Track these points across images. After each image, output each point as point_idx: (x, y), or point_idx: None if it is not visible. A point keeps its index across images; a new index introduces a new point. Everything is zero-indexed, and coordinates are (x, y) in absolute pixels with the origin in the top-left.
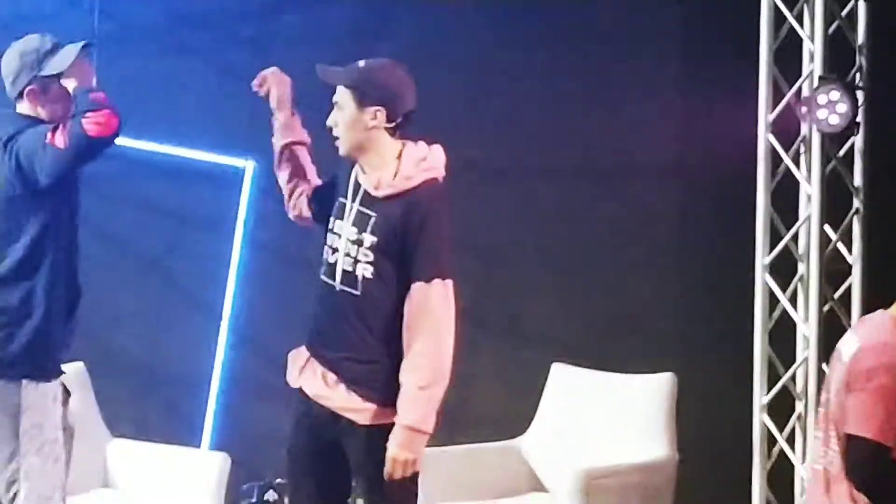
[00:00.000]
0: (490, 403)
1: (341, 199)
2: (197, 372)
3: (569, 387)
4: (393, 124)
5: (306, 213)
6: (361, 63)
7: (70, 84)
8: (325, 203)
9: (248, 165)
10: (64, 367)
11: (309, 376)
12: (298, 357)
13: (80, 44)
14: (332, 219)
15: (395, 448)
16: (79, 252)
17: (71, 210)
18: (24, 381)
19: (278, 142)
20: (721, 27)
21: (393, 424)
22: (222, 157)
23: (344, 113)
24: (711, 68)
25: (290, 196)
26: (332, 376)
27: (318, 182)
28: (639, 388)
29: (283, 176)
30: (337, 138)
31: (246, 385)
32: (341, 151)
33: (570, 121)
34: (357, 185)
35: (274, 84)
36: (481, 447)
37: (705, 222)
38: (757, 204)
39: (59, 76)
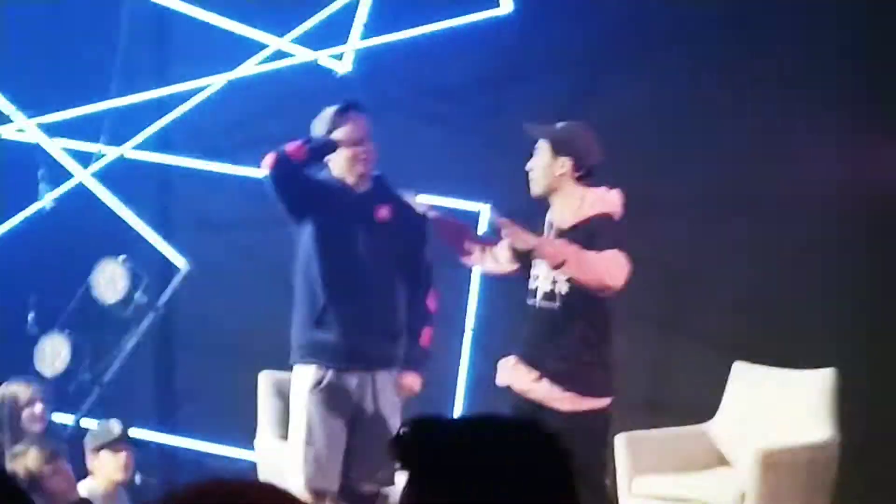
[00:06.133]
0: (684, 395)
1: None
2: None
3: (748, 381)
4: (578, 174)
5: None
6: (560, 124)
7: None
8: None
9: (484, 208)
10: None
11: (517, 376)
12: (506, 363)
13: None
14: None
15: None
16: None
17: None
18: None
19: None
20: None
21: (588, 411)
22: (461, 201)
23: (540, 159)
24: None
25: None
26: (535, 373)
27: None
28: (807, 381)
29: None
30: (532, 180)
31: (484, 385)
32: (534, 191)
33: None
34: (550, 224)
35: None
36: (678, 430)
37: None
38: None
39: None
